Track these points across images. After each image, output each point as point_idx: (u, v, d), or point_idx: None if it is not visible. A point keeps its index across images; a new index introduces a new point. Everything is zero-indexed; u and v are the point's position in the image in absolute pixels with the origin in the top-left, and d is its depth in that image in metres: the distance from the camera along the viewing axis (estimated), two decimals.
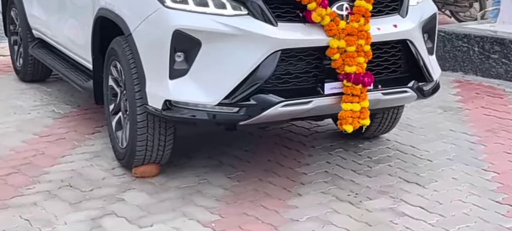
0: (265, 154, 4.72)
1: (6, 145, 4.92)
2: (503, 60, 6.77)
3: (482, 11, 8.88)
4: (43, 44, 6.12)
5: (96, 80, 4.68)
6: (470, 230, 3.68)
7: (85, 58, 4.94)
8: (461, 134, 5.24)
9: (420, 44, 4.15)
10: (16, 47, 6.69)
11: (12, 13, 6.64)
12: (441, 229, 3.68)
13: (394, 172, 4.47)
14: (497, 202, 4.01)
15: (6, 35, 6.97)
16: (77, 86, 5.16)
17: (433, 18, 4.36)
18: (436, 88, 4.33)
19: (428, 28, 4.29)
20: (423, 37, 4.23)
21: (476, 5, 9.97)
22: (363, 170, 4.49)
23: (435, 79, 4.29)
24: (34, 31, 6.19)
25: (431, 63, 4.29)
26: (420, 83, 4.17)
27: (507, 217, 3.82)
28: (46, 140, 5.07)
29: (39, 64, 6.31)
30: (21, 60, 6.55)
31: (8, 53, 7.14)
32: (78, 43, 5.06)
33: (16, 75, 6.73)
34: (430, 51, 4.32)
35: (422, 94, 4.20)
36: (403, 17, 4.10)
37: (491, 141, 5.08)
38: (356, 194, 4.12)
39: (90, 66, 4.84)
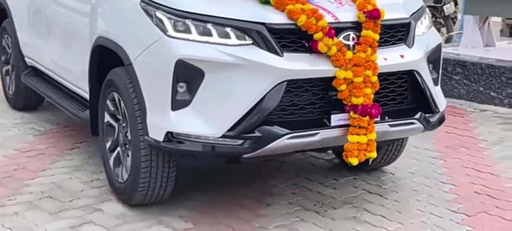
0: (240, 167, 4.75)
1: None
2: (465, 81, 7.21)
3: (447, 35, 9.23)
4: (36, 72, 6.01)
5: (93, 110, 4.56)
6: None
7: (81, 87, 4.82)
8: (423, 149, 5.51)
9: (426, 75, 4.08)
10: (7, 78, 6.55)
11: (4, 42, 6.51)
12: None
13: (359, 184, 4.71)
14: (452, 211, 4.29)
15: None
16: (72, 116, 5.04)
17: (438, 48, 4.30)
18: (442, 119, 4.26)
19: (433, 58, 4.23)
20: (429, 67, 4.15)
21: (444, 29, 10.25)
22: (330, 182, 4.73)
23: (441, 110, 4.22)
24: (27, 59, 6.07)
25: (437, 94, 4.22)
26: (426, 115, 4.10)
27: (461, 224, 4.10)
28: (27, 155, 5.26)
29: (31, 93, 6.20)
30: (13, 89, 6.42)
31: None
32: (74, 72, 4.94)
33: (8, 103, 6.57)
34: (435, 82, 4.25)
35: (428, 125, 4.12)
36: (409, 47, 4.03)
37: (450, 156, 5.40)
38: (322, 204, 4.35)
39: (86, 95, 4.72)
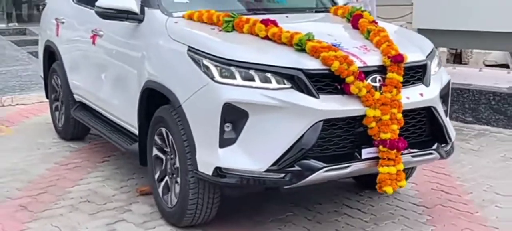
0: None
1: (34, 172, 5.23)
2: None
3: None
4: (84, 107, 5.79)
5: (141, 144, 4.33)
6: (394, 224, 4.17)
7: (130, 123, 4.60)
8: None
9: (441, 110, 3.91)
10: (57, 112, 6.33)
11: (53, 82, 6.28)
12: (373, 223, 4.19)
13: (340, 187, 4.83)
14: (414, 204, 4.50)
15: (47, 98, 6.60)
16: (121, 148, 4.80)
17: (448, 84, 4.13)
18: (452, 148, 4.06)
19: (444, 93, 4.05)
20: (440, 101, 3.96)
21: None
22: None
23: (453, 140, 4.02)
24: (75, 96, 5.85)
25: (449, 125, 4.02)
26: (441, 145, 3.89)
27: (422, 214, 4.31)
28: (66, 167, 5.39)
29: (79, 125, 5.98)
30: (62, 122, 6.19)
31: (29, 102, 7.87)
32: (123, 110, 4.73)
33: (57, 135, 6.36)
34: (446, 114, 4.04)
35: (443, 155, 3.91)
36: (427, 86, 3.85)
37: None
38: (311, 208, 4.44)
39: (134, 130, 4.51)
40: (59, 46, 6.00)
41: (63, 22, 5.90)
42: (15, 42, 10.76)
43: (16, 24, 12.13)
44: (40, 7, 12.72)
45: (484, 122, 6.70)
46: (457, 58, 9.31)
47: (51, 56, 6.31)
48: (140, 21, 4.38)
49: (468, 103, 6.82)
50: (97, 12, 4.50)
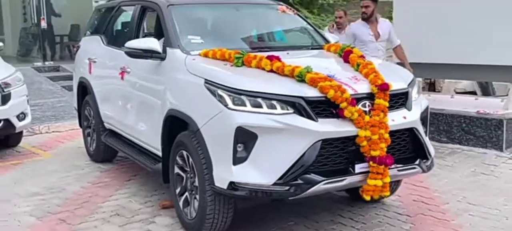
0: None
1: (70, 190, 5.27)
2: None
3: None
4: (112, 133, 5.83)
5: (164, 164, 4.38)
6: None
7: (154, 146, 4.65)
8: None
9: (421, 130, 3.96)
10: (89, 138, 6.38)
11: (86, 112, 6.34)
12: (363, 230, 4.22)
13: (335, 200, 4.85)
14: (399, 213, 4.52)
15: (80, 126, 6.66)
16: (147, 168, 4.85)
17: (426, 109, 4.20)
18: (432, 163, 4.11)
19: (423, 116, 4.11)
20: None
21: None
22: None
23: (432, 156, 4.06)
24: (105, 124, 5.90)
25: (428, 143, 4.07)
26: (423, 160, 3.94)
27: (406, 222, 4.35)
28: (97, 186, 5.40)
29: (108, 149, 6.01)
30: (93, 146, 6.23)
31: (63, 129, 7.95)
32: (148, 135, 4.79)
33: (89, 158, 6.40)
34: (425, 134, 4.10)
35: (424, 169, 3.96)
36: (409, 110, 3.91)
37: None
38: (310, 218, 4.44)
39: (158, 152, 4.56)
40: (92, 81, 6.08)
41: (95, 61, 5.99)
42: (50, 78, 10.85)
43: (51, 62, 12.24)
44: (71, 48, 12.88)
45: (457, 142, 6.75)
46: (431, 87, 9.37)
47: (84, 90, 6.39)
48: (163, 59, 4.47)
49: (442, 125, 6.88)
50: (126, 52, 4.59)
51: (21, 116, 6.46)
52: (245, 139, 3.55)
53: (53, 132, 7.89)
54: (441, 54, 6.99)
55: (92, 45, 6.26)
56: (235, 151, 3.55)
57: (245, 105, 3.59)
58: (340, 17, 7.85)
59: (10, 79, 6.42)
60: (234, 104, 3.61)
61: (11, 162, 6.31)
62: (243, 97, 3.60)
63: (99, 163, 6.15)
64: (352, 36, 6.34)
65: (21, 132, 6.81)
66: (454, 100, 7.73)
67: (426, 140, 4.04)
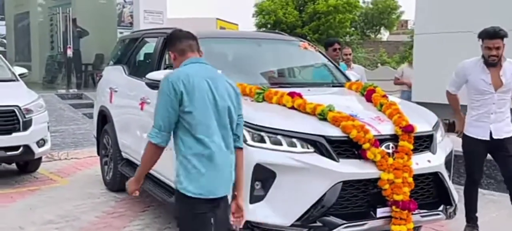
0: None
1: (85, 219, 5.09)
2: None
3: None
4: (130, 162, 5.65)
5: None
6: None
7: (169, 178, 4.45)
8: None
9: (446, 175, 3.72)
10: (106, 166, 6.22)
11: (105, 141, 6.20)
12: None
13: None
14: None
15: (98, 154, 6.51)
16: (162, 200, 4.65)
17: (451, 152, 3.96)
18: (456, 209, 3.85)
19: (447, 160, 3.87)
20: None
21: None
22: None
23: (456, 202, 3.81)
24: (123, 153, 5.73)
25: (453, 189, 3.82)
26: (447, 206, 3.69)
27: None
28: (111, 216, 5.19)
29: (124, 178, 5.81)
30: (110, 175, 6.06)
31: (81, 156, 7.73)
32: (163, 167, 4.56)
33: (105, 186, 6.23)
34: (449, 178, 3.86)
35: (448, 215, 3.71)
36: (433, 153, 3.68)
37: None
38: None
39: (172, 185, 4.35)
40: (111, 110, 5.95)
41: (116, 91, 5.88)
42: (72, 105, 10.80)
43: (75, 90, 12.23)
44: (95, 76, 12.88)
45: None
46: (451, 127, 9.09)
47: (104, 119, 6.25)
48: None
49: (463, 168, 6.57)
50: (147, 83, 4.45)
51: (41, 142, 6.33)
52: (263, 177, 3.36)
53: (72, 158, 7.76)
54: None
55: (114, 75, 6.16)
56: (252, 189, 3.36)
57: (264, 142, 3.40)
58: (349, 54, 7.68)
59: (32, 106, 6.32)
60: (253, 140, 3.43)
61: (29, 188, 6.16)
62: (262, 133, 3.42)
63: (114, 192, 5.96)
64: (462, 77, 4.39)
65: (40, 158, 6.68)
66: None
67: (450, 185, 3.81)
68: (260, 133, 3.42)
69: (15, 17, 16.37)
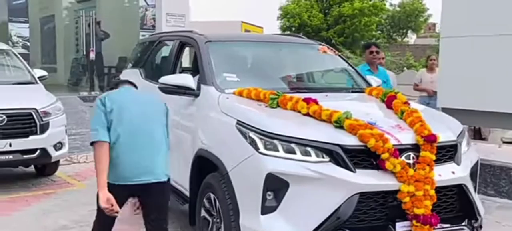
0: None
1: None
2: None
3: None
4: None
5: (191, 205, 4.05)
6: None
7: (183, 186, 4.33)
8: None
9: (471, 187, 3.49)
10: None
11: None
12: None
13: None
14: None
15: None
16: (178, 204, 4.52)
17: (477, 163, 3.72)
18: (481, 224, 3.61)
19: (473, 171, 3.63)
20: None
21: None
22: None
23: (482, 216, 3.57)
24: None
25: (478, 202, 3.58)
26: (472, 221, 3.46)
27: None
28: (127, 222, 4.66)
29: None
30: None
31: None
32: (177, 173, 4.45)
33: None
34: (475, 190, 3.62)
35: (473, 230, 3.47)
36: (458, 164, 3.45)
37: None
38: None
39: (185, 192, 4.23)
40: None
41: None
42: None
43: (97, 92, 12.26)
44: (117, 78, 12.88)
45: (505, 196, 6.15)
46: (476, 134, 8.76)
47: None
48: (196, 96, 4.19)
49: (490, 177, 6.29)
50: (160, 88, 4.34)
51: (58, 146, 6.29)
52: (275, 187, 3.18)
53: (90, 161, 7.70)
54: (490, 102, 6.47)
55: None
56: (264, 199, 3.19)
57: (277, 150, 3.23)
58: (382, 58, 7.38)
59: (50, 109, 6.29)
60: (265, 148, 3.26)
61: (45, 191, 6.13)
62: (275, 141, 3.25)
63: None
64: None
65: (57, 161, 6.65)
66: (502, 150, 7.13)
67: (476, 197, 3.57)
68: (273, 140, 3.26)
69: (41, 20, 16.56)
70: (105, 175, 3.05)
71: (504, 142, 8.23)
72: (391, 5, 39.37)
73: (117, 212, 3.09)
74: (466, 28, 6.69)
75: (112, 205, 3.02)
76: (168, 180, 3.28)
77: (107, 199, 3.01)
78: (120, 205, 3.15)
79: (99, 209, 3.15)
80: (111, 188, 3.05)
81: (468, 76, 6.56)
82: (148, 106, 3.29)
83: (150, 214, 3.27)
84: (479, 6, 6.54)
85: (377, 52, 6.25)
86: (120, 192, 3.11)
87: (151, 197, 3.22)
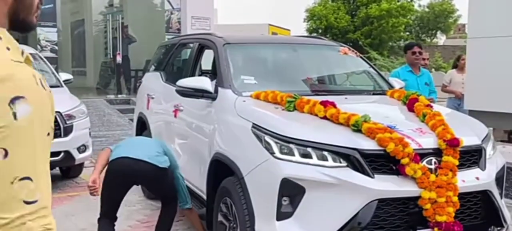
0: None
1: (118, 228, 4.66)
2: None
3: None
4: None
5: (209, 209, 3.97)
6: None
7: (200, 188, 4.26)
8: None
9: (497, 193, 3.31)
10: None
11: None
12: None
13: None
14: None
15: None
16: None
17: (503, 168, 3.53)
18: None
19: (498, 176, 3.45)
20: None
21: None
22: None
23: (508, 223, 3.39)
24: None
25: (504, 208, 3.40)
26: (497, 228, 3.28)
27: None
28: (145, 225, 4.99)
29: None
30: None
31: None
32: (194, 176, 4.40)
33: (142, 193, 6.11)
34: (501, 197, 3.44)
35: None
36: (482, 170, 3.27)
37: None
38: None
39: (203, 195, 4.16)
40: (149, 117, 5.84)
41: (153, 98, 5.76)
42: (120, 110, 10.86)
43: (124, 95, 12.34)
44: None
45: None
46: (510, 136, 8.43)
47: (142, 125, 6.16)
48: (214, 99, 4.12)
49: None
50: (177, 91, 4.28)
51: (82, 148, 6.31)
52: (291, 192, 3.08)
53: None
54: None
55: (152, 81, 6.06)
56: (279, 205, 3.09)
57: (293, 154, 3.12)
58: (427, 59, 7.04)
59: (74, 112, 6.32)
60: (281, 153, 3.15)
61: (68, 193, 6.15)
62: (291, 145, 3.14)
63: (151, 200, 5.83)
64: None
65: (82, 163, 6.67)
66: None
67: (502, 204, 3.39)
68: (288, 144, 3.15)
69: (72, 24, 16.81)
70: (100, 169, 3.99)
71: None
72: (419, 6, 38.68)
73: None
74: (493, 29, 6.45)
75: (95, 187, 3.89)
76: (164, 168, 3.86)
77: (93, 180, 3.89)
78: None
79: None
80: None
81: (496, 78, 6.31)
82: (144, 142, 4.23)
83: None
84: (506, 6, 6.31)
85: (420, 53, 5.90)
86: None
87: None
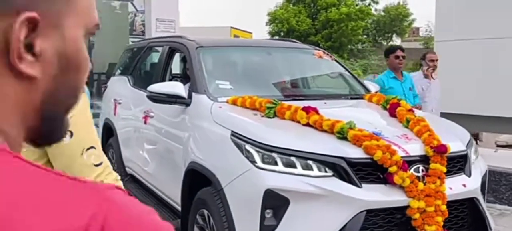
0: None
1: None
2: None
3: None
4: (134, 179, 5.19)
5: (184, 221, 3.72)
6: None
7: (174, 199, 3.99)
8: None
9: (482, 200, 3.19)
10: None
11: (109, 154, 5.75)
12: None
13: None
14: None
15: None
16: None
17: (486, 173, 3.42)
18: None
19: (483, 182, 3.34)
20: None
21: None
22: None
23: (493, 229, 3.28)
24: (127, 169, 5.29)
25: (489, 215, 3.29)
26: None
27: None
28: None
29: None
30: None
31: None
32: (168, 187, 4.13)
33: None
34: (484, 202, 3.33)
35: None
36: (468, 176, 3.15)
37: None
38: None
39: (177, 206, 3.89)
40: (116, 123, 5.51)
41: (120, 103, 5.44)
42: None
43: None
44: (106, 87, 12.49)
45: (506, 202, 5.88)
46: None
47: (108, 132, 5.82)
48: (188, 105, 3.86)
49: (489, 184, 6.01)
50: (148, 96, 4.00)
51: None
52: (275, 204, 2.87)
53: None
54: (488, 106, 6.21)
55: (118, 86, 5.73)
56: (262, 218, 2.87)
57: (276, 164, 2.91)
58: (436, 60, 5.74)
59: None
60: (263, 162, 2.94)
61: None
62: (274, 155, 2.93)
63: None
64: None
65: None
66: (499, 155, 6.87)
67: (486, 210, 3.27)
68: (271, 153, 2.94)
69: None
70: None
71: (497, 146, 8.00)
72: (376, 10, 39.34)
73: None
74: (460, 31, 6.45)
75: None
76: None
77: None
78: None
79: None
80: None
81: (465, 80, 6.30)
82: None
83: None
84: (472, 9, 6.31)
85: (403, 57, 5.40)
86: None
87: None
